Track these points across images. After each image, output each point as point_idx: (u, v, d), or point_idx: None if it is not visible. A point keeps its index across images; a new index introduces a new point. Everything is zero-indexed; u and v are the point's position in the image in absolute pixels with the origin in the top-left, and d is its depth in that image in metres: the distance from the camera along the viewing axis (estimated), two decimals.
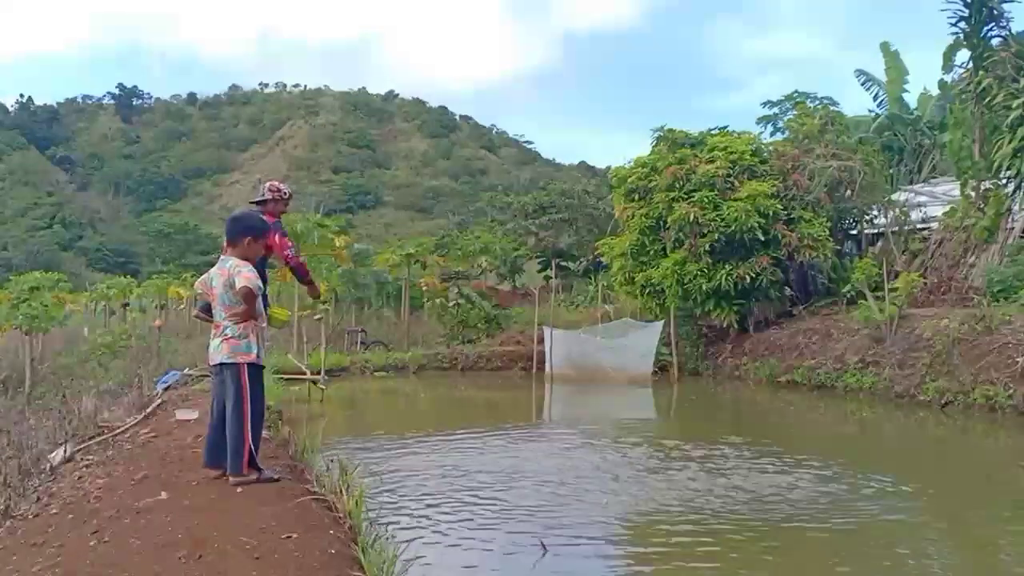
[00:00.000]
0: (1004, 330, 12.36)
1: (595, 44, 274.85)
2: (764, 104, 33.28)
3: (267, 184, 6.45)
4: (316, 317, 16.99)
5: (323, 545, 3.85)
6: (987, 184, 17.14)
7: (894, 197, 20.32)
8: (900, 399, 12.84)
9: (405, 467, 8.29)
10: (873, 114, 30.17)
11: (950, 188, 20.58)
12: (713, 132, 19.19)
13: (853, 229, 19.80)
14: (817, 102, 28.38)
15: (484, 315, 21.68)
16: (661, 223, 17.59)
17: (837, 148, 18.57)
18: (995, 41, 17.78)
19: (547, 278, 29.55)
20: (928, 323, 13.47)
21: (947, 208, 18.24)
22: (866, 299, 14.98)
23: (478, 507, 6.70)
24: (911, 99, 29.84)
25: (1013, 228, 15.99)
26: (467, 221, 43.71)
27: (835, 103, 29.39)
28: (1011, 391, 11.24)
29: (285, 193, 6.48)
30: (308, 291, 7.23)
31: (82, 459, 6.21)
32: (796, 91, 31.41)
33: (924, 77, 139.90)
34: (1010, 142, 15.61)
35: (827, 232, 16.98)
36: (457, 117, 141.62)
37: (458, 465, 8.40)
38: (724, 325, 17.68)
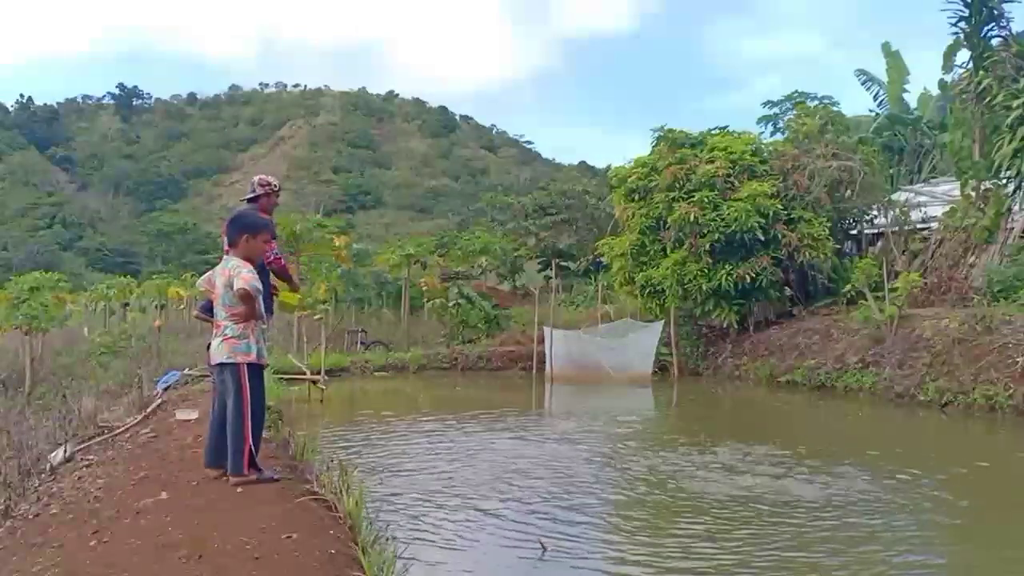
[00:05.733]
0: (1004, 330, 12.36)
1: (595, 44, 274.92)
2: (764, 104, 33.29)
3: (256, 179, 6.32)
4: (316, 317, 16.99)
5: (323, 545, 3.85)
6: (987, 184, 17.14)
7: (894, 197, 20.31)
8: (900, 399, 12.84)
9: (405, 466, 8.30)
10: (873, 114, 30.19)
11: (950, 188, 20.58)
12: (713, 132, 19.18)
13: (853, 229, 19.80)
14: (817, 102, 28.36)
15: (484, 315, 21.67)
16: (661, 223, 17.60)
17: (837, 148, 18.58)
18: (995, 41, 17.79)
19: (547, 278, 29.54)
20: (928, 323, 13.48)
21: (947, 208, 18.24)
22: (866, 299, 14.99)
23: (478, 506, 6.70)
24: (911, 99, 29.90)
25: (1013, 228, 15.99)
26: (467, 221, 43.68)
27: (835, 103, 29.36)
28: (1011, 391, 11.25)
29: (275, 186, 6.32)
30: (288, 286, 6.53)
31: (82, 459, 6.20)
32: (796, 91, 31.40)
33: (924, 77, 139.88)
34: (1010, 142, 15.61)
35: (827, 232, 16.98)
36: (457, 117, 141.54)
37: (458, 464, 8.41)
38: (724, 325, 17.69)
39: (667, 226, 17.33)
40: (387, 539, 4.38)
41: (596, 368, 17.18)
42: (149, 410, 8.29)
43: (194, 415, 7.49)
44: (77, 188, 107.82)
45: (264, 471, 4.99)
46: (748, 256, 16.73)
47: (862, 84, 30.44)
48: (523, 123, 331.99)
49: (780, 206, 16.87)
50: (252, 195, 6.20)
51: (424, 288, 25.43)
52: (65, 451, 6.33)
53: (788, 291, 17.95)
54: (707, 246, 16.71)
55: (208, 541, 3.76)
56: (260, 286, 4.94)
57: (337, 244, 21.82)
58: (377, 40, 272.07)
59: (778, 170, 17.81)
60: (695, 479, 7.70)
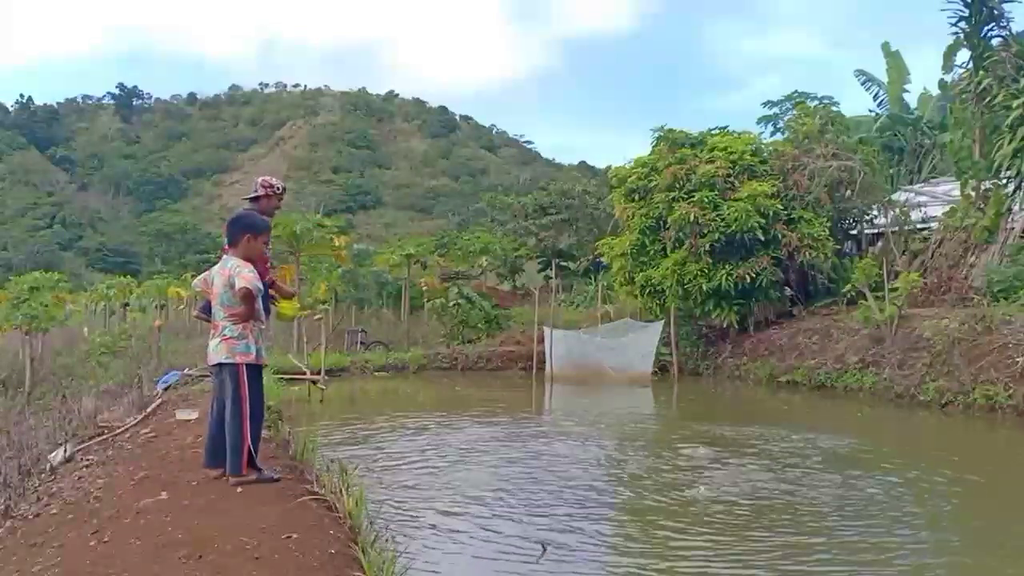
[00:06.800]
0: (1004, 330, 12.36)
1: (595, 44, 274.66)
2: (764, 104, 33.28)
3: (259, 180, 6.26)
4: (316, 317, 16.99)
5: (323, 545, 3.85)
6: (987, 184, 17.15)
7: (894, 197, 20.33)
8: (900, 399, 12.84)
9: (405, 466, 8.30)
10: (873, 114, 30.19)
11: (950, 188, 20.59)
12: (713, 132, 19.19)
13: (853, 229, 19.80)
14: (817, 102, 28.35)
15: (484, 315, 21.68)
16: (661, 223, 17.60)
17: (837, 148, 18.59)
18: (995, 41, 17.81)
19: (547, 278, 29.56)
20: (928, 323, 13.47)
21: (947, 208, 18.24)
22: (866, 299, 14.98)
23: (478, 505, 6.71)
24: (911, 99, 29.89)
25: (1013, 228, 15.99)
26: (467, 221, 43.74)
27: (835, 103, 29.35)
28: (1011, 391, 11.24)
29: (278, 188, 6.24)
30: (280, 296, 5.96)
31: (82, 459, 6.20)
32: (796, 91, 31.39)
33: (924, 77, 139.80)
34: (1010, 142, 15.61)
35: (827, 232, 16.99)
36: (457, 117, 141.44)
37: (458, 464, 8.42)
38: (724, 325, 17.69)
39: (667, 226, 17.33)
40: (387, 539, 4.39)
41: (596, 368, 17.19)
42: (149, 410, 8.29)
43: (194, 415, 7.47)
44: (77, 188, 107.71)
45: (264, 471, 4.98)
46: (748, 256, 16.73)
47: (862, 84, 30.45)
48: (523, 123, 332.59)
49: (780, 206, 16.88)
50: (254, 195, 6.14)
51: (424, 288, 25.46)
52: (65, 451, 6.32)
53: (788, 291, 17.95)
54: (707, 246, 16.71)
55: (208, 541, 3.76)
56: (261, 286, 4.93)
57: (337, 244, 21.82)
58: (377, 40, 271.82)
59: (778, 170, 17.82)
60: (697, 480, 7.70)
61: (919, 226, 19.00)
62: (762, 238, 16.70)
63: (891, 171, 25.82)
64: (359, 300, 26.82)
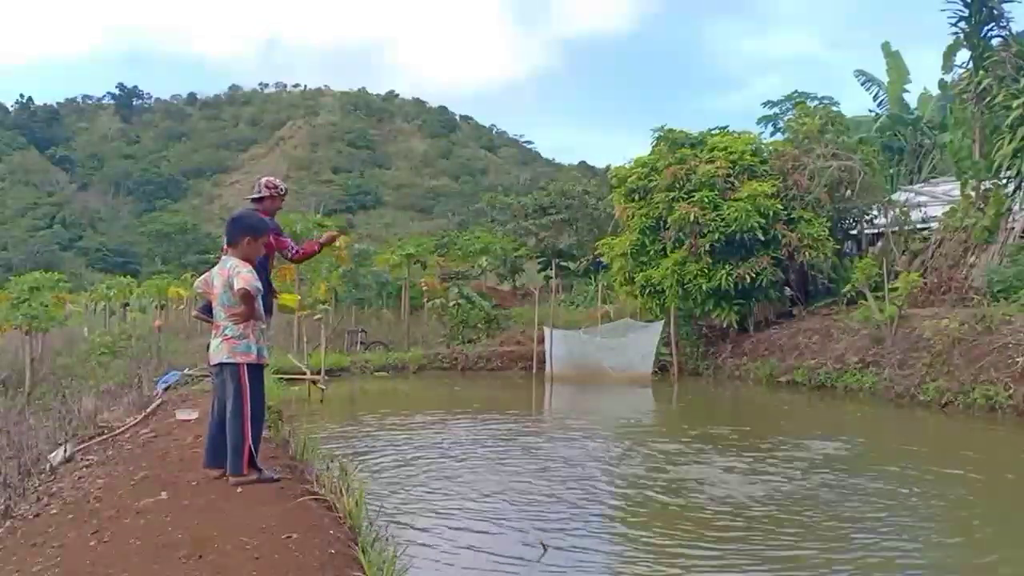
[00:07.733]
0: (1004, 330, 12.37)
1: (595, 44, 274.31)
2: (764, 104, 33.31)
3: (263, 180, 6.29)
4: (316, 317, 17.00)
5: (323, 545, 3.84)
6: (987, 184, 17.15)
7: (894, 197, 20.33)
8: (900, 399, 12.85)
9: (405, 466, 8.30)
10: (873, 114, 30.16)
11: (950, 188, 20.58)
12: (713, 132, 19.20)
13: (853, 229, 19.80)
14: (817, 102, 28.37)
15: (484, 315, 21.67)
16: (661, 223, 17.61)
17: (837, 148, 18.58)
18: (995, 41, 17.79)
19: (547, 278, 29.52)
20: (928, 323, 13.47)
21: (947, 208, 18.24)
22: (866, 299, 14.99)
23: (478, 506, 6.71)
24: (911, 99, 29.85)
25: (1013, 228, 15.99)
26: (467, 221, 43.68)
27: (835, 103, 29.39)
28: (1011, 391, 11.25)
29: (282, 190, 6.30)
30: (330, 244, 7.09)
31: (82, 459, 6.20)
32: (796, 91, 31.42)
33: (924, 77, 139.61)
34: (1010, 142, 15.61)
35: (827, 232, 17.00)
36: (457, 117, 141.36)
37: (457, 465, 8.42)
38: (724, 325, 17.69)
39: (667, 226, 17.34)
40: (387, 539, 4.38)
41: (596, 368, 17.19)
42: (149, 410, 8.29)
43: (194, 415, 7.47)
44: (77, 188, 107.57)
45: (264, 471, 4.98)
46: (748, 256, 16.74)
47: (862, 84, 30.41)
48: (523, 123, 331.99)
49: (780, 206, 16.89)
50: (258, 195, 6.15)
51: (424, 288, 25.43)
52: (65, 451, 6.32)
53: (788, 291, 17.95)
54: (707, 246, 16.71)
55: (208, 541, 3.76)
56: (260, 286, 4.92)
57: (337, 244, 21.79)
58: (377, 40, 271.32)
59: (778, 170, 17.82)
60: (698, 481, 7.70)
61: (919, 226, 19.00)
62: (762, 238, 16.71)
63: (891, 171, 25.81)
64: (359, 300, 26.81)
